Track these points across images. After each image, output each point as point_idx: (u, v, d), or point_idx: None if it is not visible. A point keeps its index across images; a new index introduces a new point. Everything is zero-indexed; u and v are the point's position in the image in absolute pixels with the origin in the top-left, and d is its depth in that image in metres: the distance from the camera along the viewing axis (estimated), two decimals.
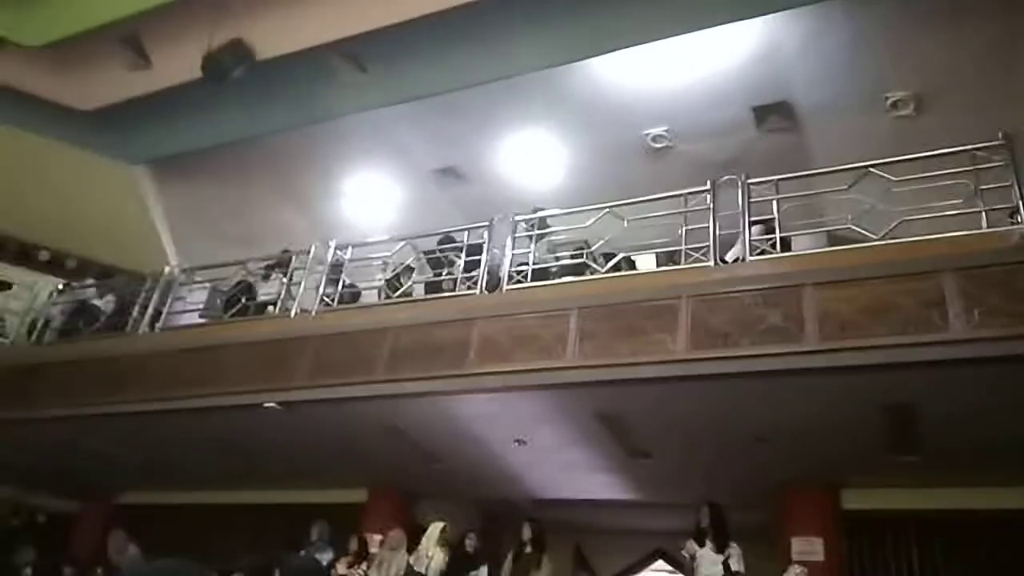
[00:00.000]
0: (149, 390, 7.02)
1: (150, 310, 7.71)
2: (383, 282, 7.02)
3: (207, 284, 8.18)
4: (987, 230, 4.79)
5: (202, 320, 7.88)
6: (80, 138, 8.97)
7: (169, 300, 7.76)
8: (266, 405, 6.44)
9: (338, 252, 7.22)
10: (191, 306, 7.94)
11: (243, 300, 7.47)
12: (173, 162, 9.03)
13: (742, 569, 6.01)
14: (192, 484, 9.50)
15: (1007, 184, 4.88)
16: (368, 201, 9.82)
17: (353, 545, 7.73)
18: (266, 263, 7.87)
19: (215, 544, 7.24)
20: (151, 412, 7.01)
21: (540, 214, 6.72)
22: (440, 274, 7.02)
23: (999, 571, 6.28)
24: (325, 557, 7.32)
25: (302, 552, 7.26)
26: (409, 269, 7.11)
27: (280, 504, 9.31)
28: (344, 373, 6.25)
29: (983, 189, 4.95)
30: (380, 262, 7.17)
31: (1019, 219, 4.70)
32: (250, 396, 6.54)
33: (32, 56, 8.18)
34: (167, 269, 8.21)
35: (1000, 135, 5.06)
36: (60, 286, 8.98)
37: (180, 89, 8.10)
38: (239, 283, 7.70)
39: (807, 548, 6.64)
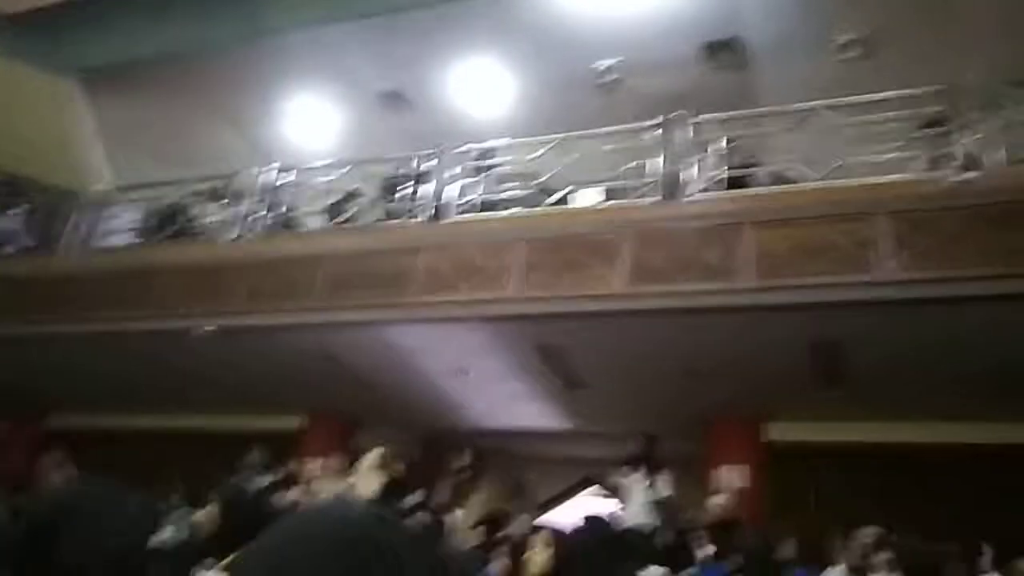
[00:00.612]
0: (79, 311, 6.79)
1: (82, 228, 7.39)
2: (325, 208, 6.86)
3: (141, 204, 7.86)
4: (922, 175, 4.91)
5: (134, 242, 7.60)
6: (5, 45, 8.36)
7: (100, 219, 7.45)
8: (201, 330, 6.30)
9: (279, 176, 7.01)
10: (125, 226, 7.63)
11: (177, 222, 7.21)
12: (107, 75, 8.51)
13: (670, 492, 6.28)
14: (125, 409, 9.33)
15: (946, 130, 4.99)
16: (311, 125, 9.49)
17: (287, 471, 7.76)
18: (207, 185, 7.58)
19: (150, 470, 7.16)
20: (81, 333, 6.80)
21: (488, 144, 6.60)
22: (388, 202, 6.89)
23: (916, 500, 6.68)
24: (261, 483, 7.31)
25: (238, 478, 7.24)
26: (352, 196, 6.95)
27: (216, 430, 9.24)
28: (280, 299, 6.16)
29: (922, 135, 5.06)
30: (323, 188, 6.99)
31: (955, 164, 4.82)
32: (184, 320, 6.39)
33: None
34: (98, 186, 7.86)
35: (942, 81, 5.16)
36: None
37: None
38: (172, 205, 7.42)
39: (732, 477, 6.94)
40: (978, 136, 4.89)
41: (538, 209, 6.08)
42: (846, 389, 6.18)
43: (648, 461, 6.44)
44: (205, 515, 3.31)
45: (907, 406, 6.41)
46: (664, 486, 6.27)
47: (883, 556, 4.67)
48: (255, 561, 0.75)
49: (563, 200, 6.12)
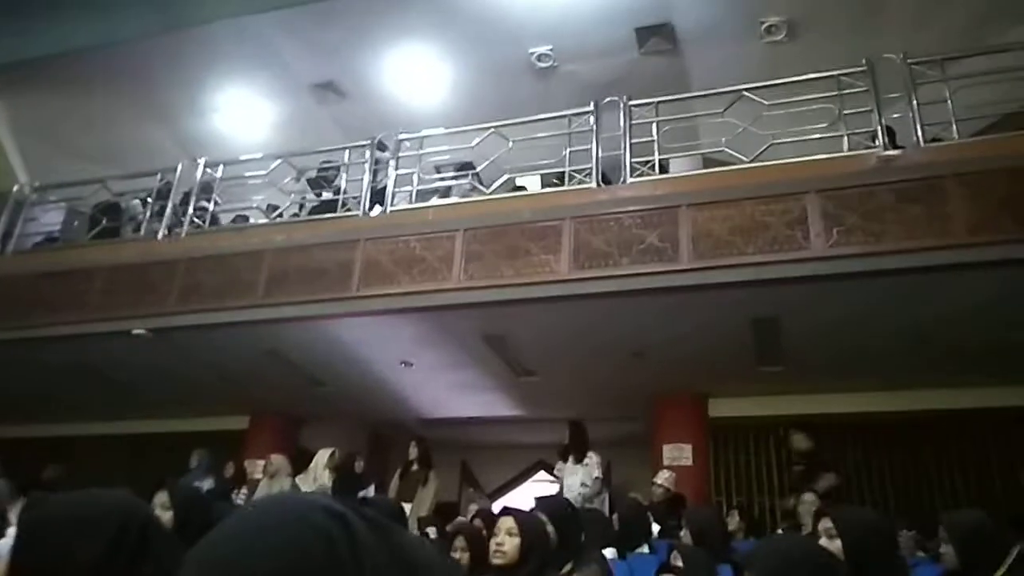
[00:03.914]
0: (6, 317, 6.51)
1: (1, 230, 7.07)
2: (259, 203, 6.72)
3: (62, 204, 7.57)
4: (849, 153, 5.07)
5: (60, 242, 7.31)
6: None
7: (21, 220, 7.13)
8: (135, 332, 6.11)
9: (208, 171, 6.83)
10: (45, 228, 7.33)
11: (105, 221, 6.97)
12: (18, 71, 8.12)
13: (599, 475, 6.48)
14: (62, 415, 9.01)
15: (868, 109, 5.16)
16: (241, 117, 9.25)
17: (230, 471, 7.64)
18: (133, 181, 7.33)
19: (91, 477, 6.94)
20: (8, 340, 6.52)
21: (423, 133, 6.55)
22: (320, 195, 6.79)
23: (854, 468, 6.94)
24: (205, 484, 7.17)
25: (185, 480, 7.08)
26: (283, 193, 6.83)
27: (159, 433, 9.02)
28: (218, 297, 6.01)
29: (846, 114, 5.22)
30: (256, 181, 6.84)
31: (878, 143, 5.00)
32: (117, 323, 6.18)
33: None
34: (15, 187, 7.51)
35: (863, 62, 5.33)
36: None
37: None
38: (102, 203, 7.16)
39: (677, 454, 7.10)
40: (897, 115, 5.08)
41: (476, 197, 6.08)
42: (785, 364, 6.37)
43: (577, 446, 6.59)
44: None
45: (843, 377, 6.64)
46: (594, 467, 6.42)
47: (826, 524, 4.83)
48: (208, 556, 0.73)
49: (501, 188, 6.12)
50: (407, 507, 6.23)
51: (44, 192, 7.55)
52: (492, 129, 6.21)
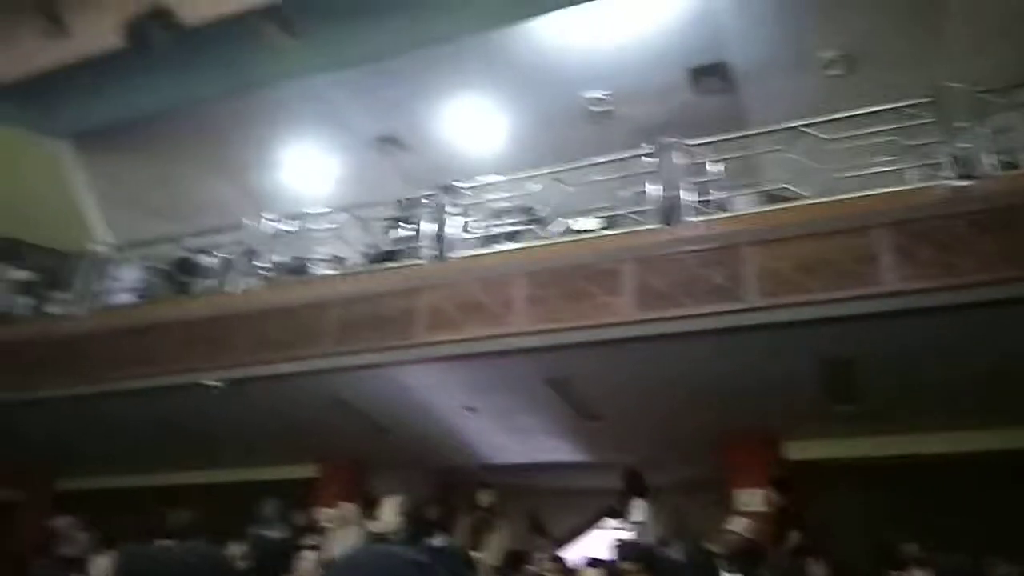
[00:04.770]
0: (86, 372, 6.79)
1: (83, 289, 7.43)
2: (324, 255, 6.91)
3: (139, 261, 7.92)
4: (917, 185, 4.95)
5: (136, 299, 7.63)
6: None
7: (100, 278, 7.49)
8: (207, 383, 6.30)
9: (278, 224, 7.07)
10: (123, 284, 7.67)
11: (179, 276, 7.26)
12: (99, 135, 8.62)
13: (645, 519, 6.42)
14: (136, 466, 9.28)
15: (935, 140, 5.04)
16: (306, 172, 9.60)
17: (301, 520, 7.69)
18: (207, 238, 7.64)
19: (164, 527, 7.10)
20: (89, 395, 6.79)
21: (483, 181, 6.66)
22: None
23: (938, 512, 6.60)
24: (278, 534, 7.25)
25: (256, 529, 7.18)
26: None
27: (229, 483, 9.17)
28: (286, 348, 6.16)
29: (911, 145, 5.11)
30: (323, 234, 7.05)
31: (946, 173, 4.86)
32: (191, 375, 6.38)
33: None
34: (96, 247, 7.90)
35: (930, 92, 5.22)
36: None
37: (102, 58, 7.72)
38: (173, 260, 7.47)
39: (750, 500, 6.86)
40: (968, 144, 4.94)
41: (537, 242, 6.11)
42: (859, 403, 6.15)
43: (635, 492, 6.48)
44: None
45: (921, 417, 6.37)
46: (639, 512, 6.39)
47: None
48: None
49: (562, 232, 6.16)
50: (479, 555, 6.17)
51: (124, 250, 7.91)
52: (550, 174, 6.27)
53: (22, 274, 8.25)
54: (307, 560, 5.66)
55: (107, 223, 9.02)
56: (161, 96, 8.09)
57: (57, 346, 7.12)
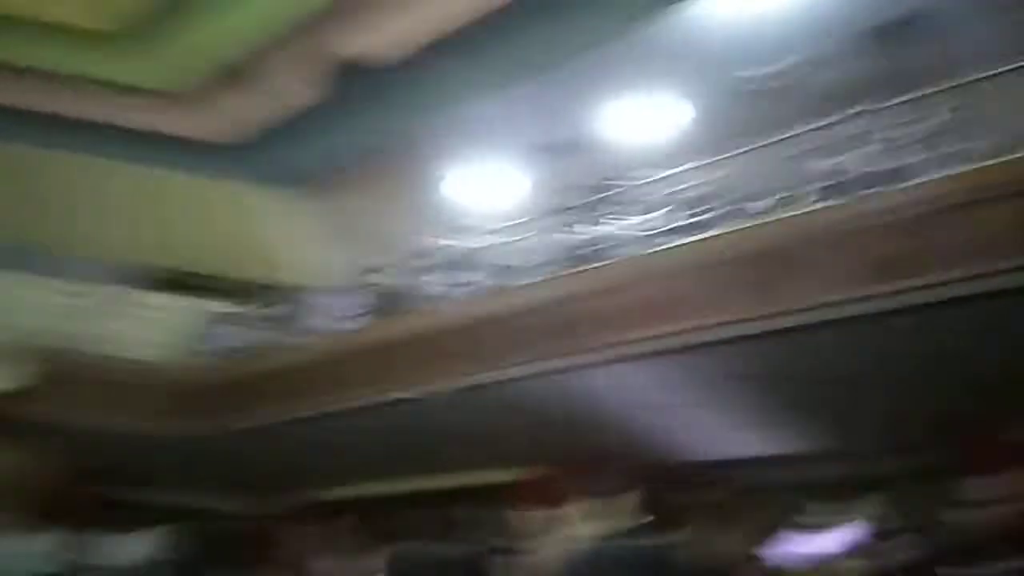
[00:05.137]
0: (325, 394, 7.60)
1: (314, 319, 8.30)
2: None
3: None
4: None
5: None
6: (222, 169, 9.69)
7: (328, 307, 8.33)
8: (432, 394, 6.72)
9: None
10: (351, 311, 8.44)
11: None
12: (310, 177, 9.57)
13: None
14: (372, 475, 9.88)
15: None
16: (494, 187, 10.04)
17: (515, 521, 7.93)
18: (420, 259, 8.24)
19: (404, 531, 7.65)
20: (330, 413, 7.57)
21: (668, 172, 6.61)
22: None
23: None
24: (489, 537, 7.52)
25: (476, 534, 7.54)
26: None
27: (441, 489, 9.60)
28: (496, 357, 6.46)
29: None
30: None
31: None
32: (414, 389, 6.87)
33: (162, 97, 8.94)
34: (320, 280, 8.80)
35: None
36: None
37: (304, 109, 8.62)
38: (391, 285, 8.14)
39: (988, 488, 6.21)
40: None
41: (732, 228, 5.96)
42: None
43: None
44: None
45: None
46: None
47: None
48: None
49: (757, 215, 5.96)
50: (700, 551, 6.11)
51: (346, 279, 8.73)
52: (733, 157, 6.12)
53: (257, 311, 9.33)
54: (519, 564, 5.85)
55: (324, 258, 9.94)
56: (365, 138, 8.85)
57: (298, 372, 7.96)
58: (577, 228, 7.37)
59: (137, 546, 8.29)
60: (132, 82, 8.96)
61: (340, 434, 8.21)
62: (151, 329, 9.23)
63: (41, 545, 7.45)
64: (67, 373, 8.40)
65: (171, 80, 8.95)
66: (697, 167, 6.50)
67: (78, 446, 8.73)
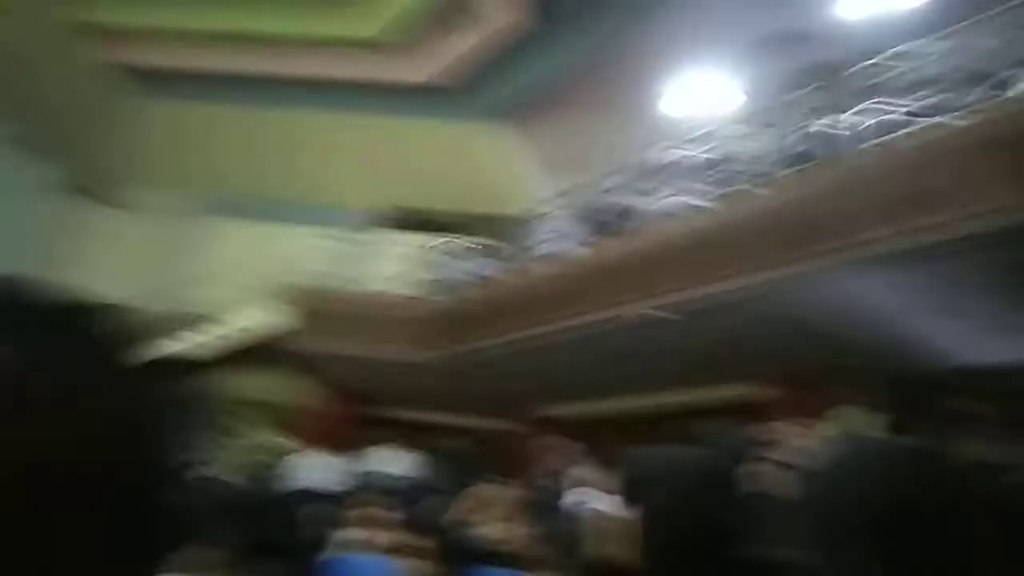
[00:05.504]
0: (547, 315, 7.80)
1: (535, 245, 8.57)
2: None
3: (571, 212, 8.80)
4: None
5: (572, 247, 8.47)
6: (442, 111, 10.14)
7: (548, 232, 8.56)
8: (658, 314, 6.66)
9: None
10: (568, 232, 8.57)
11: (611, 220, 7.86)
12: (522, 105, 9.71)
13: None
14: (591, 395, 10.12)
15: None
16: (706, 92, 9.59)
17: (759, 437, 7.72)
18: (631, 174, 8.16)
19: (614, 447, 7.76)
20: (549, 334, 7.81)
21: (901, 48, 5.87)
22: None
23: None
24: (725, 457, 7.39)
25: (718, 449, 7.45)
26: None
27: (676, 405, 9.53)
28: (724, 268, 6.25)
29: None
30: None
31: None
32: (636, 305, 6.86)
33: (382, 49, 9.46)
34: (537, 205, 8.97)
35: None
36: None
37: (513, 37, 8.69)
38: (605, 204, 8.10)
39: None
40: None
41: (990, 107, 5.19)
42: None
43: None
44: None
45: None
46: None
47: None
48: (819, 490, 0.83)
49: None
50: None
51: (560, 202, 8.83)
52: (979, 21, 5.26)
53: (470, 242, 9.77)
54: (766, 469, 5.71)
55: (541, 183, 10.13)
56: (567, 57, 8.79)
57: (521, 299, 8.25)
58: (809, 123, 6.81)
59: (403, 462, 9.14)
60: (355, 37, 9.61)
61: (581, 353, 8.36)
62: (397, 266, 10.01)
63: (334, 464, 8.25)
64: (327, 310, 9.35)
65: (389, 32, 9.46)
66: (941, 37, 5.68)
67: (341, 374, 9.83)
